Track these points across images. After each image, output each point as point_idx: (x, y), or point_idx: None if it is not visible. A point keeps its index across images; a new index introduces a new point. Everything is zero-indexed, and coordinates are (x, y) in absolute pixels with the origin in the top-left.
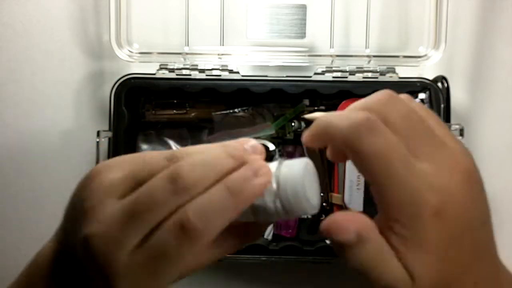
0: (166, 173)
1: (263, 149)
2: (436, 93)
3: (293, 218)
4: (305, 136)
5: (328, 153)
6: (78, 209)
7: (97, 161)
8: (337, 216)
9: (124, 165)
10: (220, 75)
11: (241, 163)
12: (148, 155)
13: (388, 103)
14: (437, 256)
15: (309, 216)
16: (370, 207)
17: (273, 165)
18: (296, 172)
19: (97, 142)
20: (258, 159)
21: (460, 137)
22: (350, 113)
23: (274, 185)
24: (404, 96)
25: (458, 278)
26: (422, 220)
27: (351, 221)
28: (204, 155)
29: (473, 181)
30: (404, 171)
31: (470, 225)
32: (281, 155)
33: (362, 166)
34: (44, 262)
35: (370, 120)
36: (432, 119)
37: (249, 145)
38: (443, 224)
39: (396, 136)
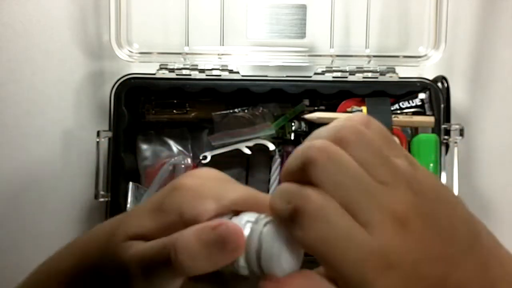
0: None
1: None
2: (436, 93)
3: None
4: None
5: None
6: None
7: (97, 161)
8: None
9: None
10: (220, 75)
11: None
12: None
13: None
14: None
15: None
16: None
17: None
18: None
19: (97, 142)
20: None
21: (460, 137)
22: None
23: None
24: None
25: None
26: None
27: None
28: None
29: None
30: (351, 245)
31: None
32: (281, 155)
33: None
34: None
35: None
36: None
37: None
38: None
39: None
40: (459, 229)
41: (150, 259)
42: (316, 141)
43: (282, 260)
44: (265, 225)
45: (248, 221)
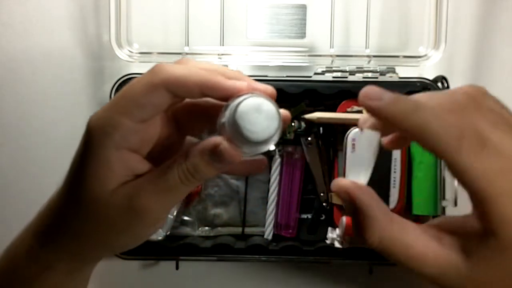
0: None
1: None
2: None
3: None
4: (389, 115)
5: (388, 141)
6: None
7: None
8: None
9: None
10: None
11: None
12: None
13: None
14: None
15: (309, 216)
16: None
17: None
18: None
19: None
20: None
21: None
22: (452, 126)
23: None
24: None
25: None
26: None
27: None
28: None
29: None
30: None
31: None
32: (281, 155)
33: (465, 186)
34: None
35: (478, 136)
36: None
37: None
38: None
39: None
40: None
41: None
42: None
43: (256, 123)
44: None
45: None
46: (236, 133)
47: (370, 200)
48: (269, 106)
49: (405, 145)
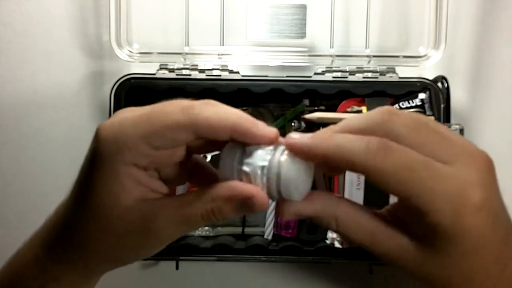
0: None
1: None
2: (436, 93)
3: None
4: (313, 153)
5: (326, 170)
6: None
7: None
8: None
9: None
10: (220, 75)
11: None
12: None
13: (391, 119)
14: (469, 250)
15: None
16: (370, 206)
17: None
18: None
19: None
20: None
21: None
22: (360, 140)
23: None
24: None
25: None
26: (466, 218)
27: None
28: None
29: (492, 169)
30: (433, 175)
31: (500, 214)
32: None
33: (388, 185)
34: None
35: (382, 142)
36: (433, 122)
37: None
38: (484, 219)
39: (412, 148)
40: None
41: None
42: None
43: (299, 184)
44: (282, 153)
45: (265, 151)
46: (277, 192)
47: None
48: (307, 166)
49: (341, 172)
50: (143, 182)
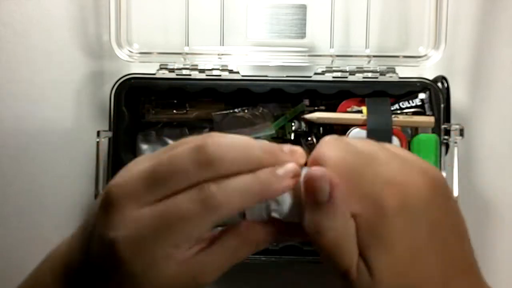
0: (191, 144)
1: (303, 153)
2: (436, 93)
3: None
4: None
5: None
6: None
7: (97, 161)
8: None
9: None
10: (220, 75)
11: (274, 161)
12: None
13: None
14: (400, 259)
15: None
16: None
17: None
18: None
19: (97, 142)
20: (292, 163)
21: (460, 137)
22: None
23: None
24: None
25: None
26: (385, 214)
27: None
28: (233, 139)
29: (438, 188)
30: (364, 168)
31: (438, 232)
32: None
33: None
34: (57, 262)
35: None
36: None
37: (288, 148)
38: (406, 222)
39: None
40: None
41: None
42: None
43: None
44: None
45: None
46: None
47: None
48: None
49: None
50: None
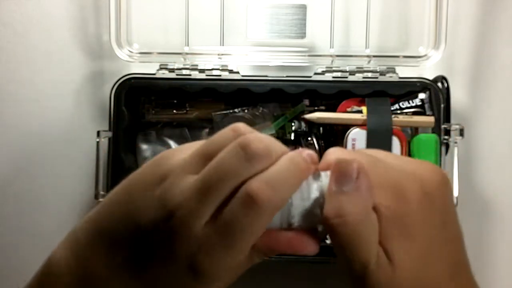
0: (236, 142)
1: (317, 159)
2: (436, 93)
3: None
4: None
5: None
6: (152, 187)
7: (97, 161)
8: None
9: (194, 145)
10: (220, 75)
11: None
12: (215, 135)
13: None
14: (420, 249)
15: None
16: None
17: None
18: None
19: (97, 142)
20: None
21: (460, 137)
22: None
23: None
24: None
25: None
26: (408, 202)
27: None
28: (261, 135)
29: (447, 182)
30: (377, 163)
31: (448, 225)
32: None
33: None
34: (61, 270)
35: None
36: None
37: (306, 153)
38: (425, 211)
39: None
40: None
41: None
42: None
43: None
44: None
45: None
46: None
47: None
48: None
49: None
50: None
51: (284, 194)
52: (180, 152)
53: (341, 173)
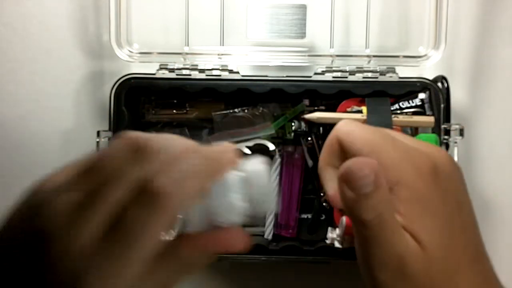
0: (119, 143)
1: (235, 151)
2: (436, 93)
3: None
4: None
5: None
6: (27, 222)
7: None
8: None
9: (73, 165)
10: (220, 75)
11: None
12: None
13: None
14: (443, 220)
15: (309, 216)
16: None
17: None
18: (261, 170)
19: (97, 142)
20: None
21: (460, 137)
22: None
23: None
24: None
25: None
26: (422, 177)
27: (368, 166)
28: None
29: (460, 172)
30: (389, 141)
31: (464, 206)
32: (281, 155)
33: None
34: None
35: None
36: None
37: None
38: (441, 184)
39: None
40: None
41: None
42: None
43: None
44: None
45: None
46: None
47: None
48: None
49: None
50: None
51: (188, 188)
52: (55, 177)
53: (359, 179)
